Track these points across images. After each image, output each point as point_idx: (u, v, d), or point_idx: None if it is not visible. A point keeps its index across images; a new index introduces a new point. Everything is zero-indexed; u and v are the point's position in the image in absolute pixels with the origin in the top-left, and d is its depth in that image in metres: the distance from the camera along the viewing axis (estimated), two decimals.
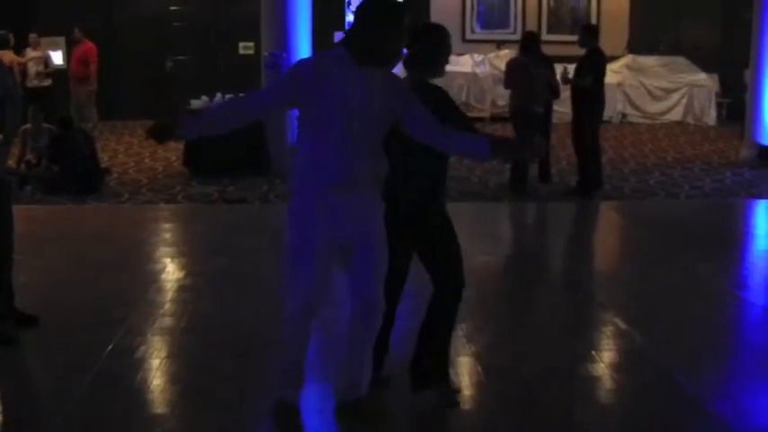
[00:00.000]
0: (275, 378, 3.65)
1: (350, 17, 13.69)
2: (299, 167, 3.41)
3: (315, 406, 3.76)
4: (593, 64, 8.72)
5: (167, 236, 7.50)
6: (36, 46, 12.87)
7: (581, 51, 8.91)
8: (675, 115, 15.45)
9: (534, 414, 3.81)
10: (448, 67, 3.83)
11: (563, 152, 11.21)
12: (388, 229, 3.53)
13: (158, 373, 4.20)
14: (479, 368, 4.25)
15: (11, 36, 12.08)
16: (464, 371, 4.21)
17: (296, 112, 3.45)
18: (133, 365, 4.28)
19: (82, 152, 9.08)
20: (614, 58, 14.22)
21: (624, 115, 15.44)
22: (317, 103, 3.27)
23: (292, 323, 3.50)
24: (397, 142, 3.52)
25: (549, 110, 9.28)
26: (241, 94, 10.10)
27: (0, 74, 4.71)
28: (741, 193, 9.31)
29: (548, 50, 9.96)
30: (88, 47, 12.81)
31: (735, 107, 14.61)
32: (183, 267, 6.22)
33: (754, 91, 11.24)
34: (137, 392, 4.00)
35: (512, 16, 16.31)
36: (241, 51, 15.18)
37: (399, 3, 3.37)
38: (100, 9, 14.92)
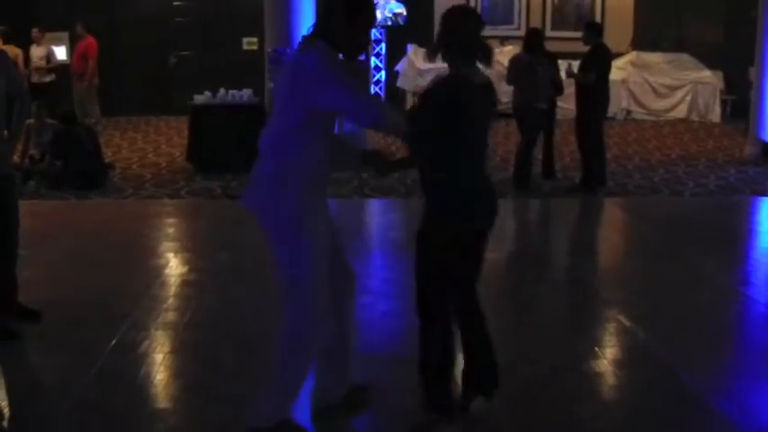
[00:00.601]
0: (271, 400, 3.35)
1: None
2: (292, 169, 3.24)
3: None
4: (596, 60, 8.70)
5: (171, 231, 7.49)
6: (39, 41, 12.85)
7: (585, 48, 8.90)
8: (680, 112, 15.41)
9: (537, 411, 3.81)
10: None
11: (567, 149, 11.19)
12: (463, 250, 3.45)
13: (161, 368, 4.20)
14: None
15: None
16: None
17: (303, 103, 3.18)
18: (136, 360, 4.28)
19: (85, 148, 9.09)
20: (618, 55, 14.18)
21: (628, 112, 15.41)
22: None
23: (310, 347, 3.28)
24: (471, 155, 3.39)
25: (552, 106, 9.28)
26: (245, 90, 10.27)
27: (5, 68, 4.64)
28: (745, 190, 9.29)
29: (552, 47, 9.94)
30: (89, 42, 12.77)
31: (739, 104, 14.60)
32: (186, 262, 6.22)
33: (759, 88, 11.20)
34: (140, 387, 4.00)
35: (516, 13, 16.27)
36: (244, 47, 15.18)
37: None
38: (102, 4, 14.91)
